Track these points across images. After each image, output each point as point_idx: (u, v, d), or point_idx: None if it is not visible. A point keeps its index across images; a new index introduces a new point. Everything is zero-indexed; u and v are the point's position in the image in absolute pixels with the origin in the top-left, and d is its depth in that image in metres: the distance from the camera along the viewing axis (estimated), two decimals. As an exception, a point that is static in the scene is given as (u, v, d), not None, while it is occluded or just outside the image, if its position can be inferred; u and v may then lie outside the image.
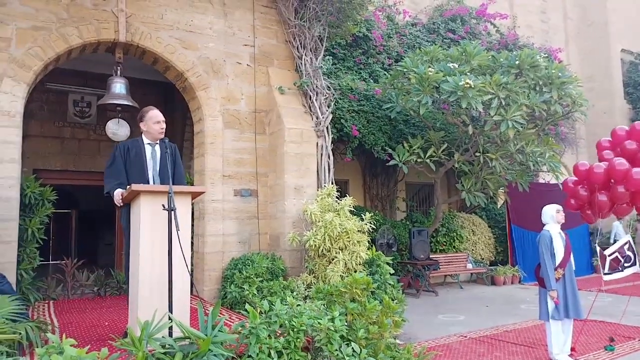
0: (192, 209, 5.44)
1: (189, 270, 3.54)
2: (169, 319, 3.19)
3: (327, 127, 6.89)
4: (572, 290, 4.66)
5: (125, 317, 4.55)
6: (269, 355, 3.24)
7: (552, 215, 4.83)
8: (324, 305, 4.04)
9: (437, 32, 10.85)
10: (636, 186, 5.20)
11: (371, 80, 9.10)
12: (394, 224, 9.57)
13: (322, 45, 7.19)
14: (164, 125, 4.22)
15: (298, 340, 3.40)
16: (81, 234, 14.54)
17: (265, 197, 6.76)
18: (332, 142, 7.05)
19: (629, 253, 5.43)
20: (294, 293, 5.43)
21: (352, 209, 6.23)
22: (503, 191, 10.35)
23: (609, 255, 5.39)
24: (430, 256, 9.18)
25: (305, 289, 5.66)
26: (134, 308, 3.66)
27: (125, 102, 6.24)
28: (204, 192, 4.46)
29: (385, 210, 10.36)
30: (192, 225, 6.25)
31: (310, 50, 7.05)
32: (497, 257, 11.13)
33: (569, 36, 16.00)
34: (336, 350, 3.45)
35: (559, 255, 4.66)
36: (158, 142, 4.24)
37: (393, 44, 9.82)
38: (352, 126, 7.97)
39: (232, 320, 4.82)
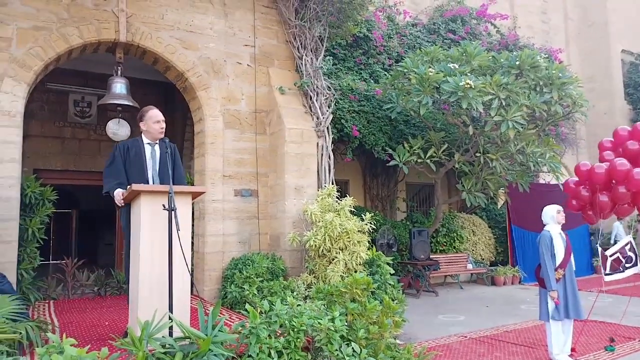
0: (193, 209, 5.44)
1: (189, 270, 3.54)
2: (169, 318, 3.19)
3: (327, 128, 6.89)
4: (573, 290, 4.66)
5: (125, 316, 4.55)
6: (269, 355, 3.24)
7: (552, 216, 4.82)
8: (324, 305, 4.04)
9: (438, 32, 10.85)
10: (637, 186, 5.20)
11: (372, 81, 9.10)
12: (394, 224, 9.57)
13: (323, 46, 7.20)
14: (164, 125, 4.22)
15: (298, 340, 3.40)
16: (81, 233, 14.54)
17: (266, 197, 6.76)
18: (332, 143, 7.05)
19: (630, 253, 5.43)
20: (294, 293, 5.43)
21: (353, 209, 6.23)
22: (503, 192, 10.35)
23: (610, 256, 5.39)
24: (431, 256, 9.18)
25: (306, 289, 5.66)
26: (134, 308, 3.66)
27: (126, 102, 6.24)
28: (204, 192, 4.46)
29: (385, 211, 10.36)
30: (193, 225, 6.25)
31: (311, 51, 7.05)
32: (498, 257, 11.13)
33: (570, 37, 16.00)
34: (336, 350, 3.45)
35: (560, 255, 4.66)
36: (158, 142, 4.23)
37: (393, 44, 9.82)
38: (353, 126, 7.97)
39: (232, 320, 4.82)
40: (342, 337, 3.55)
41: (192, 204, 4.17)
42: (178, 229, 3.34)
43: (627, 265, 5.40)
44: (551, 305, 4.62)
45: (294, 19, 6.98)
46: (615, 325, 5.94)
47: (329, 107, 7.01)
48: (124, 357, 2.99)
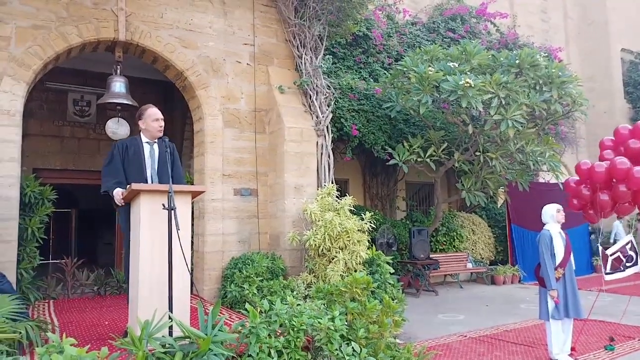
0: (192, 208, 5.44)
1: (189, 269, 3.54)
2: (169, 318, 3.18)
3: (327, 126, 6.89)
4: (572, 289, 4.66)
5: (125, 316, 4.54)
6: (269, 354, 3.24)
7: (552, 215, 4.82)
8: (324, 304, 4.04)
9: (437, 31, 10.84)
10: (638, 185, 5.19)
11: (371, 80, 9.09)
12: (394, 223, 9.57)
13: (322, 44, 7.19)
14: (163, 123, 4.21)
15: (298, 339, 3.39)
16: (81, 233, 14.53)
17: (265, 196, 6.75)
18: (332, 141, 7.04)
19: (631, 253, 5.43)
20: (294, 292, 5.43)
21: (352, 208, 6.23)
22: (503, 190, 10.35)
23: (611, 255, 5.39)
24: (430, 256, 9.18)
25: (305, 289, 5.66)
26: (134, 307, 3.66)
27: (125, 101, 6.24)
28: (204, 192, 4.45)
29: (385, 210, 10.36)
30: (192, 224, 6.24)
31: (310, 49, 7.05)
32: (497, 256, 11.13)
33: (569, 36, 15.99)
34: (336, 349, 3.45)
35: (559, 254, 4.66)
36: (156, 140, 4.22)
37: (393, 43, 9.81)
38: (352, 125, 7.96)
39: (232, 320, 4.82)
40: (342, 336, 3.55)
41: (192, 203, 4.16)
42: (178, 229, 3.33)
43: (627, 264, 5.40)
44: (551, 304, 4.62)
45: (294, 17, 6.97)
46: (615, 325, 5.95)
47: (328, 106, 7.00)
48: (123, 357, 2.99)
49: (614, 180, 5.41)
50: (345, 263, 5.71)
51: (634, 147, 5.52)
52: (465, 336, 5.65)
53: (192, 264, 6.05)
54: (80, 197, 14.18)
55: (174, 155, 4.17)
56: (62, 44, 5.60)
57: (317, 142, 6.77)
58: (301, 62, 7.01)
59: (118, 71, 6.24)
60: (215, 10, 6.65)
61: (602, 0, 15.84)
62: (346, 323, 3.67)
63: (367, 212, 6.26)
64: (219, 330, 3.11)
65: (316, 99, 6.88)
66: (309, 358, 3.49)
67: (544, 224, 4.87)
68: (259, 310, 3.55)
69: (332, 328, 3.50)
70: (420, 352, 3.95)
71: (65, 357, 2.52)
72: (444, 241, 10.16)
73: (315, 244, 5.77)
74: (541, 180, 11.67)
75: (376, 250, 5.91)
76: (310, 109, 6.88)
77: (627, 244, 5.50)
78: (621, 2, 16.10)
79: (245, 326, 3.37)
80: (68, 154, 8.97)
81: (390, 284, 5.58)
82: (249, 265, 5.88)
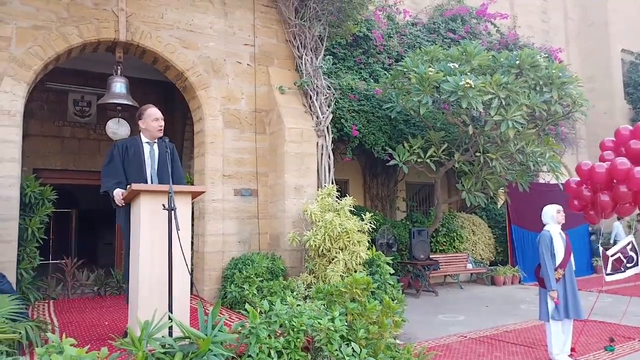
0: (192, 208, 5.44)
1: (189, 270, 3.54)
2: (169, 318, 3.18)
3: (327, 127, 6.89)
4: (572, 290, 4.66)
5: (125, 316, 4.54)
6: (269, 355, 3.24)
7: (552, 216, 4.82)
8: (324, 305, 4.04)
9: (438, 31, 10.85)
10: (638, 185, 5.19)
11: (371, 80, 9.09)
12: (394, 223, 9.57)
13: (323, 45, 7.19)
14: (163, 123, 4.21)
15: (298, 340, 3.39)
16: (81, 233, 14.53)
17: (266, 196, 6.75)
18: (332, 142, 7.05)
19: (632, 253, 5.43)
20: (294, 293, 5.43)
21: (352, 209, 6.23)
22: (503, 191, 10.35)
23: (612, 256, 5.39)
24: (430, 256, 9.18)
25: (305, 289, 5.66)
26: (133, 308, 3.66)
27: (126, 102, 6.24)
28: (204, 192, 4.45)
29: (385, 210, 10.35)
30: (192, 224, 6.24)
31: (311, 50, 7.05)
32: (497, 257, 11.13)
33: (570, 36, 15.99)
34: (336, 350, 3.45)
35: (559, 255, 4.66)
36: (156, 141, 4.22)
37: (393, 43, 9.82)
38: (352, 126, 7.96)
39: (232, 320, 4.82)
40: (342, 337, 3.55)
41: (192, 203, 4.16)
42: (178, 229, 3.33)
43: (628, 265, 5.39)
44: (551, 305, 4.62)
45: (294, 18, 6.97)
46: (615, 325, 5.94)
47: (328, 107, 7.01)
48: (123, 357, 2.99)
49: (615, 180, 5.42)
50: (345, 264, 5.71)
51: (635, 148, 5.52)
52: (465, 337, 5.65)
53: (192, 264, 6.05)
54: (81, 197, 14.18)
55: (174, 156, 4.16)
56: (62, 45, 5.61)
57: (318, 143, 6.77)
58: (301, 63, 7.01)
59: (118, 71, 6.25)
60: (215, 11, 6.66)
61: (602, 1, 15.84)
62: (346, 323, 3.67)
63: (367, 213, 6.26)
64: (218, 330, 3.11)
65: (316, 100, 6.88)
66: (309, 358, 3.49)
67: (544, 225, 4.87)
68: (258, 311, 3.55)
69: (332, 328, 3.50)
70: (420, 352, 3.95)
71: (65, 358, 2.52)
72: (444, 242, 10.16)
73: (315, 245, 5.77)
74: (541, 181, 11.67)
75: (376, 250, 5.91)
76: (311, 110, 6.89)
77: (627, 244, 5.50)
78: (622, 4, 16.10)
79: (245, 326, 3.37)
80: (68, 154, 8.98)
81: (390, 284, 5.58)
82: (249, 265, 5.88)
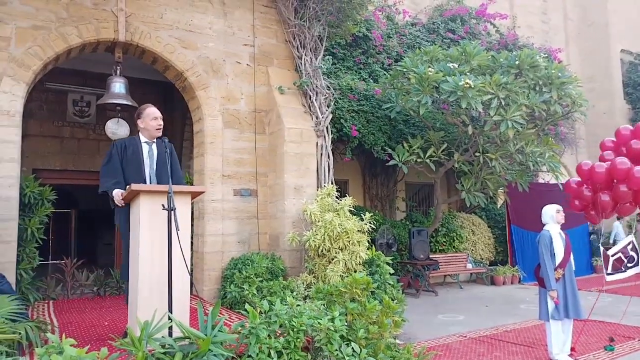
0: (192, 208, 5.44)
1: (189, 270, 3.53)
2: (169, 318, 3.18)
3: (326, 127, 6.89)
4: (572, 290, 4.66)
5: (124, 316, 4.54)
6: (269, 355, 3.24)
7: (552, 216, 4.82)
8: (323, 305, 4.04)
9: (437, 32, 10.85)
10: (638, 185, 5.20)
11: (371, 80, 9.09)
12: (393, 223, 9.57)
13: (322, 45, 7.19)
14: (162, 123, 4.20)
15: (298, 340, 3.39)
16: (81, 233, 14.51)
17: (265, 196, 6.75)
18: (331, 142, 7.04)
19: (632, 253, 5.43)
20: (294, 293, 5.43)
21: (352, 209, 6.23)
22: (503, 191, 10.36)
23: (612, 256, 5.39)
24: (430, 256, 9.18)
25: (305, 289, 5.66)
26: (133, 308, 3.65)
27: (125, 102, 6.23)
28: (203, 192, 4.45)
29: (385, 210, 10.36)
30: (192, 225, 6.24)
31: (310, 50, 7.05)
32: (497, 257, 11.13)
33: (569, 37, 16.00)
34: (336, 350, 3.44)
35: (559, 255, 4.66)
36: (155, 140, 4.21)
37: (393, 43, 9.82)
38: (352, 126, 7.96)
39: (232, 320, 4.82)
40: (341, 337, 3.55)
41: (192, 203, 4.16)
42: (177, 229, 3.33)
43: (629, 265, 5.40)
44: (551, 304, 4.62)
45: (294, 18, 6.97)
46: (615, 325, 5.94)
47: (328, 107, 7.00)
48: (123, 357, 2.98)
49: (615, 180, 5.42)
50: (345, 264, 5.71)
51: (636, 148, 5.53)
52: (465, 336, 5.65)
53: (191, 264, 6.04)
54: (80, 197, 14.17)
55: (173, 156, 4.16)
56: (62, 45, 5.60)
57: (317, 143, 6.77)
58: (301, 63, 7.01)
59: (118, 72, 6.25)
60: (215, 11, 6.65)
61: (602, 2, 15.85)
62: (346, 323, 3.67)
63: (367, 213, 6.26)
64: (218, 330, 3.11)
65: (316, 100, 6.88)
66: (309, 358, 3.49)
67: (543, 225, 4.87)
68: (258, 311, 3.55)
69: (332, 328, 3.50)
70: (420, 352, 3.95)
71: (65, 358, 2.52)
72: (444, 242, 10.16)
73: (315, 245, 5.77)
74: (541, 180, 11.68)
75: (376, 250, 5.91)
76: (310, 110, 6.88)
77: (628, 244, 5.50)
78: (622, 4, 16.11)
79: (245, 327, 3.37)
80: (68, 154, 8.97)
81: (390, 284, 5.58)
82: (248, 265, 5.88)
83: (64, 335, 2.83)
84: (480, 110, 7.15)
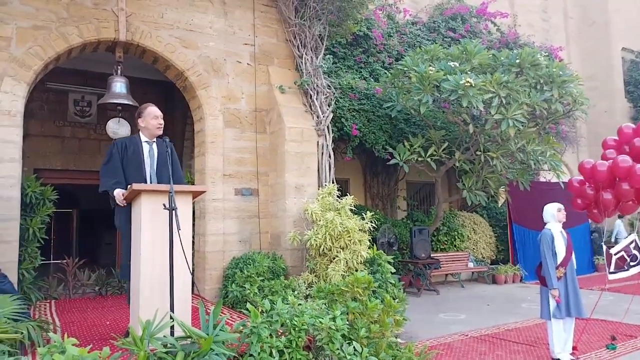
0: (193, 208, 5.44)
1: (190, 269, 3.54)
2: (171, 318, 3.18)
3: (327, 126, 6.88)
4: (574, 289, 4.66)
5: (126, 316, 4.54)
6: (271, 354, 3.24)
7: (553, 214, 4.82)
8: (325, 304, 4.04)
9: (438, 30, 10.84)
10: (640, 183, 5.19)
11: (372, 79, 9.09)
12: (394, 222, 9.57)
13: (323, 44, 7.19)
14: (162, 122, 4.20)
15: (299, 339, 3.39)
16: (82, 233, 14.53)
17: (266, 196, 6.75)
18: (332, 141, 7.04)
19: (635, 252, 5.42)
20: (295, 292, 5.43)
21: (353, 208, 6.22)
22: (504, 190, 10.33)
23: (615, 254, 5.38)
24: (431, 255, 9.18)
25: (307, 288, 5.66)
26: (135, 307, 3.66)
27: (126, 101, 6.24)
28: (204, 192, 4.45)
29: (386, 209, 10.35)
30: (193, 224, 6.24)
31: (311, 49, 7.04)
32: (498, 255, 11.12)
33: (570, 36, 15.98)
34: (337, 349, 3.44)
35: (561, 253, 4.66)
36: (155, 140, 4.21)
37: (393, 42, 9.81)
38: (353, 125, 7.96)
39: (234, 320, 4.82)
40: (343, 336, 3.55)
41: (193, 203, 4.16)
42: (179, 229, 3.33)
43: (632, 263, 5.39)
44: (552, 303, 4.61)
45: (294, 17, 6.97)
46: (617, 324, 5.94)
47: (329, 106, 7.00)
48: (125, 357, 2.99)
49: (617, 178, 5.41)
50: (347, 263, 5.71)
51: (639, 146, 5.51)
52: (467, 335, 5.65)
53: (193, 264, 6.05)
54: (82, 197, 14.18)
55: (173, 155, 4.15)
56: (62, 45, 5.60)
57: (318, 142, 6.77)
58: (302, 62, 7.01)
59: (119, 71, 6.24)
60: (215, 11, 6.65)
61: (603, 1, 15.83)
62: (347, 322, 3.67)
63: (368, 212, 6.26)
64: (220, 330, 3.11)
65: (317, 99, 6.88)
66: (311, 358, 3.49)
67: (545, 223, 4.87)
68: (260, 310, 3.55)
69: (334, 327, 3.50)
70: (422, 351, 3.95)
71: (67, 357, 2.52)
72: (445, 241, 10.16)
73: (316, 244, 5.77)
74: (542, 179, 11.67)
75: (377, 249, 5.91)
76: (311, 109, 6.88)
77: (631, 243, 5.50)
78: (622, 4, 16.09)
79: (247, 326, 3.37)
80: (69, 154, 8.98)
81: (391, 283, 5.58)
82: (250, 265, 5.88)
83: (66, 335, 2.84)
84: (481, 109, 7.14)
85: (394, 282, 5.63)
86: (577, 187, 5.87)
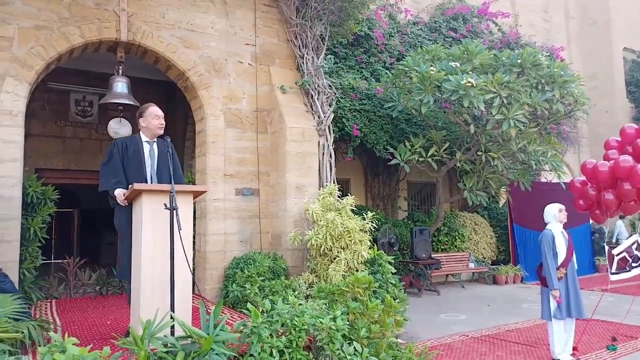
0: (194, 208, 5.44)
1: (191, 269, 3.54)
2: (171, 318, 3.19)
3: (328, 126, 6.88)
4: (574, 289, 4.66)
5: (127, 316, 4.55)
6: (271, 354, 3.24)
7: (554, 215, 4.82)
8: (325, 304, 4.04)
9: (439, 30, 10.84)
10: (642, 183, 5.18)
11: (373, 79, 9.09)
12: (395, 223, 9.56)
13: (324, 44, 7.19)
14: (163, 122, 4.20)
15: (300, 339, 3.40)
16: (83, 233, 14.55)
17: (267, 196, 6.76)
18: (333, 141, 7.04)
19: (637, 253, 5.41)
20: (296, 292, 5.43)
21: (354, 208, 6.22)
22: (505, 190, 10.32)
23: (617, 255, 5.38)
24: (432, 255, 9.17)
25: (307, 288, 5.66)
26: (136, 307, 3.66)
27: (127, 101, 6.24)
28: (205, 192, 4.45)
29: (386, 210, 10.35)
30: (194, 224, 6.24)
31: (312, 49, 7.04)
32: (499, 256, 11.12)
33: (571, 35, 15.97)
34: (338, 349, 3.45)
35: (561, 254, 4.65)
36: (156, 140, 4.22)
37: (395, 42, 9.81)
38: (354, 125, 7.96)
39: (234, 320, 4.82)
40: (343, 336, 3.55)
41: (194, 203, 4.16)
42: (180, 228, 3.33)
43: (633, 264, 5.38)
44: (553, 304, 4.61)
45: (295, 17, 6.97)
46: (617, 325, 5.93)
47: (330, 106, 7.00)
48: (125, 357, 2.99)
49: (619, 179, 5.40)
50: (347, 263, 5.71)
51: (642, 147, 5.51)
52: (467, 336, 5.65)
53: (193, 263, 6.05)
54: (83, 197, 14.21)
55: (173, 155, 4.15)
56: (64, 45, 5.61)
57: (319, 142, 6.77)
58: (303, 62, 7.01)
59: (120, 71, 6.25)
60: (216, 11, 6.66)
61: (604, 1, 15.82)
62: (348, 323, 3.67)
63: (369, 212, 6.26)
64: (220, 329, 3.11)
65: (318, 99, 6.88)
66: (311, 358, 3.49)
67: (546, 224, 4.87)
68: (260, 310, 3.55)
69: (334, 328, 3.50)
70: (422, 351, 3.95)
71: (68, 357, 2.53)
72: (446, 241, 10.15)
73: (316, 244, 5.77)
74: (543, 179, 11.66)
75: (378, 250, 5.91)
76: (312, 109, 6.88)
77: (633, 244, 5.49)
78: (623, 3, 16.07)
79: (247, 326, 3.37)
80: (70, 154, 9.00)
81: (392, 283, 5.58)
82: (250, 265, 5.89)
83: (66, 334, 2.84)
84: (483, 109, 7.14)
85: (394, 282, 5.62)
86: (579, 187, 5.86)
